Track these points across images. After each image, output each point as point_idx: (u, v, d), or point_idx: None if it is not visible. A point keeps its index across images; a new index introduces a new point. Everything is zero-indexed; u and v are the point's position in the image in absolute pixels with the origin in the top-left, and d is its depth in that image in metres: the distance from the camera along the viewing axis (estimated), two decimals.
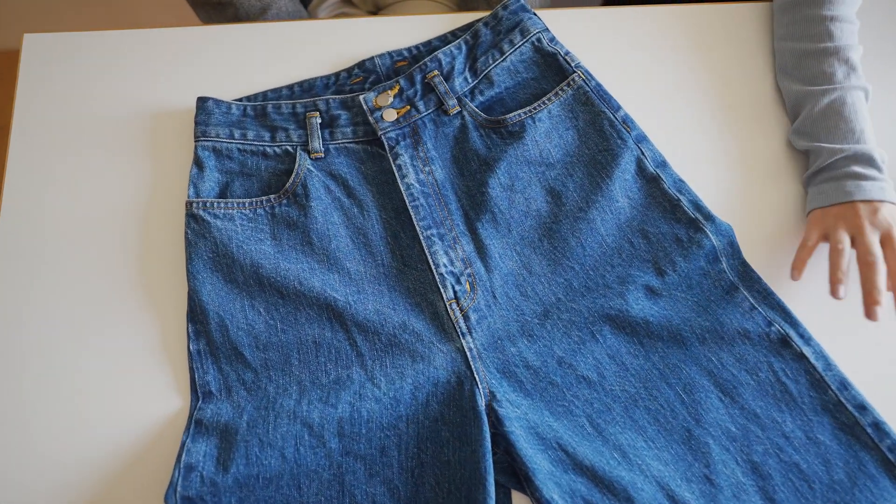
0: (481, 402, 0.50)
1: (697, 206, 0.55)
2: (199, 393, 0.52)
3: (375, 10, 0.85)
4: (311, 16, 0.85)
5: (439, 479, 0.49)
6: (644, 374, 0.52)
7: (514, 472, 0.50)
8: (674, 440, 0.50)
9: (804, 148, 0.58)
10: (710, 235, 0.54)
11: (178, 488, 0.46)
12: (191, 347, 0.53)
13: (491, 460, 0.48)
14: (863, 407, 0.50)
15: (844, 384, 0.50)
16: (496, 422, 0.50)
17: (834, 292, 0.51)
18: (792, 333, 0.52)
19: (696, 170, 0.59)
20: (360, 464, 0.49)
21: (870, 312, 0.50)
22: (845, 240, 0.53)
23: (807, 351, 0.52)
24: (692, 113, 0.62)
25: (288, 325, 0.53)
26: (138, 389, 0.53)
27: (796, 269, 0.54)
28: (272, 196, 0.56)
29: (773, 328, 0.52)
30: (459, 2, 0.78)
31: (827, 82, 0.56)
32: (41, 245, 0.57)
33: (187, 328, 0.53)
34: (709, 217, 0.55)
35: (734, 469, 0.49)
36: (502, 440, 0.50)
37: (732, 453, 0.50)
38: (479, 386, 0.51)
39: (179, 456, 0.48)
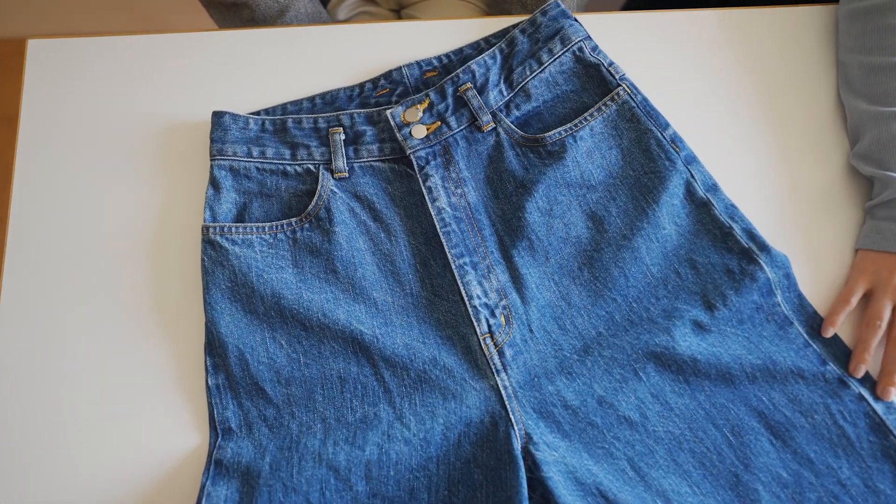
0: (517, 445, 0.48)
1: (751, 234, 0.51)
2: (218, 429, 0.50)
3: (398, 8, 0.81)
4: (331, 15, 0.81)
5: None
6: (689, 414, 0.49)
7: None
8: (720, 486, 0.48)
9: (869, 174, 0.54)
10: (765, 267, 0.51)
11: None
12: (209, 382, 0.50)
13: None
14: None
15: None
16: (532, 466, 0.47)
17: (853, 370, 0.49)
18: None
19: (746, 193, 0.55)
20: None
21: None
22: (886, 313, 0.49)
23: (865, 392, 0.49)
24: (741, 130, 0.58)
25: (311, 359, 0.50)
26: (154, 425, 0.51)
27: (830, 324, 0.50)
28: (293, 220, 0.53)
29: (828, 367, 0.49)
30: (490, 1, 0.73)
31: None
32: (49, 273, 0.55)
33: (205, 361, 0.50)
34: (764, 248, 0.51)
35: None
36: (539, 486, 0.47)
37: (784, 501, 0.47)
38: (515, 427, 0.48)
39: (199, 500, 0.46)
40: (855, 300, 0.51)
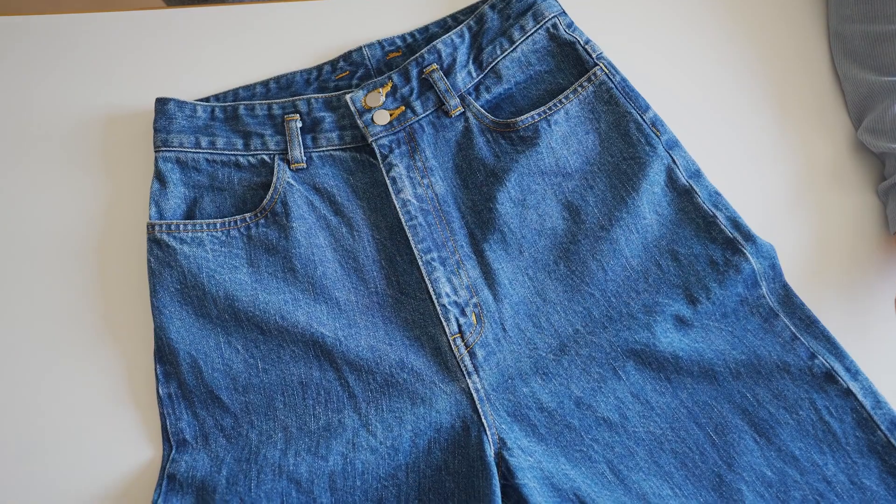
0: (490, 451, 0.46)
1: (736, 224, 0.49)
2: (171, 441, 0.47)
3: None
4: None
5: None
6: (671, 413, 0.48)
7: None
8: (703, 486, 0.47)
9: (882, 150, 0.51)
10: (750, 258, 0.48)
11: None
12: (160, 391, 0.48)
13: None
14: None
15: None
16: (507, 473, 0.46)
17: None
18: (838, 367, 0.48)
19: (734, 175, 0.53)
20: None
21: None
22: None
23: (854, 387, 0.47)
24: (728, 111, 0.55)
25: (270, 365, 0.48)
26: (103, 439, 0.48)
27: None
28: (248, 215, 0.50)
29: (816, 361, 0.48)
30: None
31: None
32: None
33: (155, 370, 0.48)
34: (749, 237, 0.49)
35: None
36: (514, 493, 0.46)
37: (768, 500, 0.46)
38: (488, 432, 0.46)
39: None
40: None
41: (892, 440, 0.47)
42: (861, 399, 0.47)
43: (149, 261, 0.49)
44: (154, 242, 0.50)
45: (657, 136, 0.51)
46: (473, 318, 0.49)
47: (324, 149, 0.52)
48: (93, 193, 0.53)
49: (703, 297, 0.49)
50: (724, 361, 0.49)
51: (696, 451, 0.48)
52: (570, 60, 0.52)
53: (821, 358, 0.49)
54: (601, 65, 0.52)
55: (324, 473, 0.46)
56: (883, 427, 0.47)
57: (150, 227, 0.50)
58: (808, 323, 0.50)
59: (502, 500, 0.46)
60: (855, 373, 0.48)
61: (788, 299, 0.50)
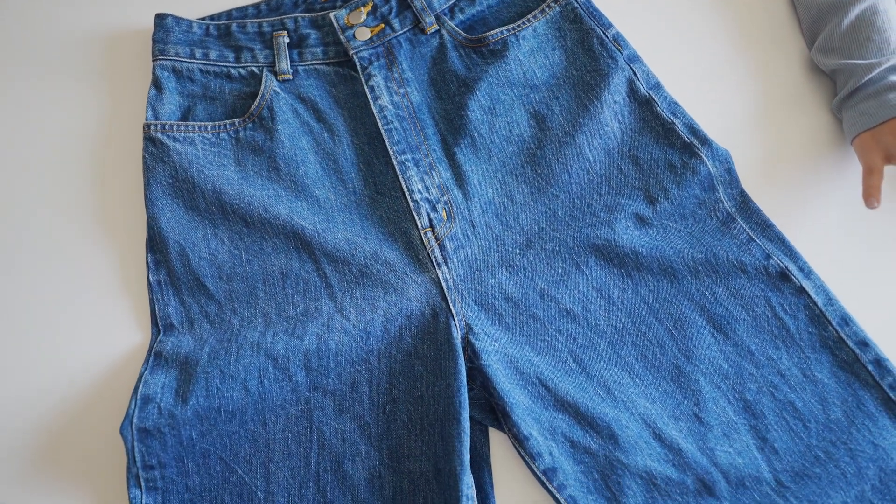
0: (457, 335, 0.48)
1: (693, 129, 0.52)
2: (159, 326, 0.50)
3: None
4: None
5: (412, 416, 0.47)
6: (632, 308, 0.49)
7: (492, 409, 0.47)
8: (662, 377, 0.48)
9: (833, 67, 0.53)
10: (706, 161, 0.51)
11: (135, 420, 0.45)
12: (150, 278, 0.50)
13: (466, 395, 0.45)
14: (865, 343, 0.47)
15: (846, 320, 0.47)
16: (472, 355, 0.47)
17: (869, 203, 0.48)
18: (791, 267, 0.49)
19: (694, 97, 0.56)
20: (329, 399, 0.47)
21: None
22: None
23: (807, 285, 0.49)
24: (693, 33, 0.57)
25: (253, 255, 0.51)
26: (96, 324, 0.50)
27: (873, 196, 0.48)
28: (236, 120, 0.53)
29: (771, 261, 0.50)
30: None
31: None
32: None
33: (146, 258, 0.51)
34: (705, 141, 0.51)
35: (725, 407, 0.47)
36: (479, 374, 0.47)
37: (724, 391, 0.47)
38: (455, 318, 0.48)
39: (136, 387, 0.46)
40: (879, 168, 0.49)
41: (843, 335, 0.48)
42: (813, 296, 0.48)
43: (143, 157, 0.51)
44: (149, 140, 0.52)
45: (619, 50, 0.54)
46: (444, 214, 0.52)
47: (309, 63, 0.55)
48: (95, 100, 0.56)
49: (662, 198, 0.51)
50: (683, 259, 0.51)
51: (656, 343, 0.49)
52: None
53: (776, 258, 0.50)
54: None
55: (299, 351, 0.48)
56: (834, 322, 0.48)
57: (146, 127, 0.52)
58: (764, 226, 0.51)
59: (467, 382, 0.48)
60: (808, 272, 0.49)
61: (745, 204, 0.52)
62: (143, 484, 0.45)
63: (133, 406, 0.45)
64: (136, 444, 0.44)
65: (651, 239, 0.50)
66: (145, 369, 0.47)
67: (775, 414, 0.47)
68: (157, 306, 0.50)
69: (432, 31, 0.55)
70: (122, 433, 0.44)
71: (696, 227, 0.51)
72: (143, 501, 0.45)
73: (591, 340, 0.49)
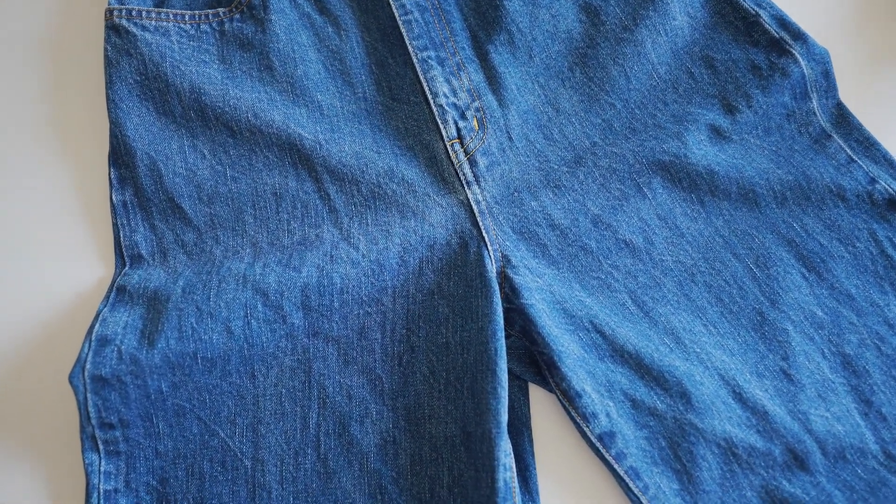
0: (491, 269, 0.39)
1: (783, 22, 0.42)
2: (125, 257, 0.41)
3: None
4: None
5: (434, 368, 0.39)
6: (704, 241, 0.41)
7: (533, 361, 0.39)
8: (742, 325, 0.40)
9: None
10: (800, 60, 0.42)
11: (88, 365, 0.36)
12: (114, 198, 0.41)
13: (503, 341, 0.37)
14: None
15: None
16: (511, 293, 0.39)
17: None
18: None
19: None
20: (333, 348, 0.39)
21: None
22: None
23: None
24: None
25: (240, 172, 0.42)
26: (47, 254, 0.42)
27: None
28: (221, 10, 0.44)
29: (877, 186, 0.41)
30: None
31: None
32: None
33: (109, 174, 0.42)
34: (798, 36, 0.42)
35: (820, 363, 0.39)
36: (518, 317, 0.38)
37: (818, 344, 0.39)
38: (489, 248, 0.40)
39: (92, 327, 0.37)
40: None
41: None
42: None
43: (105, 50, 0.42)
44: (112, 30, 0.42)
45: None
46: (475, 122, 0.42)
47: None
48: None
49: (744, 106, 0.41)
50: (768, 182, 0.42)
51: (734, 285, 0.41)
52: None
53: (882, 183, 0.41)
54: None
55: (295, 286, 0.39)
56: None
57: (109, 12, 0.42)
58: (867, 145, 0.42)
59: (505, 326, 0.40)
60: None
61: (843, 118, 0.42)
62: (100, 447, 0.37)
63: (86, 349, 0.36)
64: (89, 395, 0.36)
65: (729, 157, 0.41)
66: (104, 306, 0.39)
67: (882, 372, 0.38)
68: (122, 233, 0.41)
69: None
70: (71, 381, 0.36)
71: (784, 143, 0.42)
72: (102, 469, 0.37)
73: (655, 279, 0.40)
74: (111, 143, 0.42)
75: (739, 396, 0.38)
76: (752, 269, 0.40)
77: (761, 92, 0.42)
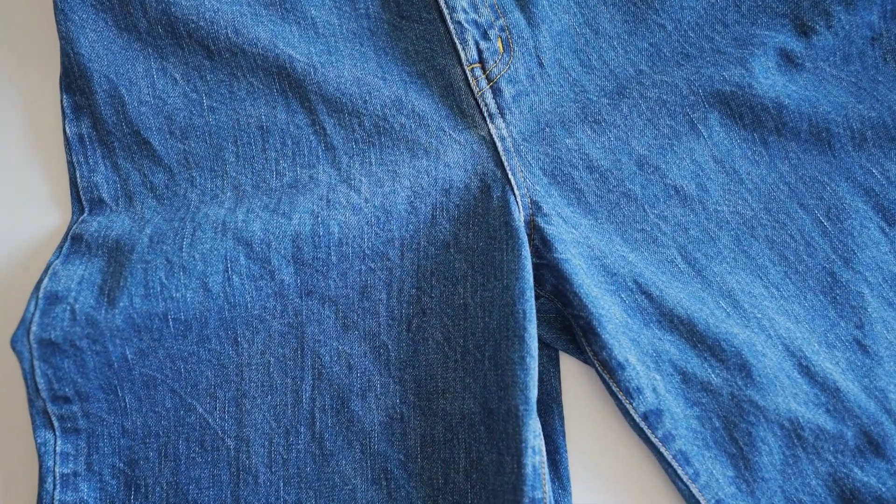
0: (518, 218, 0.33)
1: None
2: (82, 201, 0.35)
3: None
4: None
5: (450, 334, 0.33)
6: (767, 189, 0.36)
7: (566, 326, 0.34)
8: (809, 287, 0.35)
9: None
10: None
11: (34, 328, 0.30)
12: (68, 130, 0.35)
13: (533, 303, 0.32)
14: None
15: None
16: (541, 246, 0.33)
17: None
18: None
19: None
20: (330, 310, 0.33)
21: None
22: None
23: None
24: None
25: (219, 101, 0.36)
26: None
27: None
28: None
29: None
30: None
31: None
32: None
33: (61, 101, 0.35)
34: None
35: None
36: (550, 274, 0.33)
37: None
38: (517, 193, 0.34)
39: (39, 282, 0.31)
40: None
41: None
42: None
43: None
44: None
45: None
46: (499, 43, 0.36)
47: None
48: None
49: (822, 26, 0.36)
50: (845, 119, 0.36)
51: (801, 240, 0.36)
52: None
53: None
54: None
55: (285, 235, 0.33)
56: None
57: None
58: None
59: (534, 286, 0.34)
60: None
61: None
62: (55, 424, 0.31)
63: (32, 308, 0.30)
64: (36, 363, 0.30)
65: (800, 88, 0.36)
66: (56, 258, 0.33)
67: None
68: (78, 173, 0.35)
69: None
70: (14, 346, 0.30)
71: (866, 74, 0.37)
72: (59, 449, 0.31)
73: (709, 232, 0.35)
74: (62, 63, 0.36)
75: (807, 370, 0.34)
76: (822, 221, 0.36)
77: (844, 9, 0.36)
